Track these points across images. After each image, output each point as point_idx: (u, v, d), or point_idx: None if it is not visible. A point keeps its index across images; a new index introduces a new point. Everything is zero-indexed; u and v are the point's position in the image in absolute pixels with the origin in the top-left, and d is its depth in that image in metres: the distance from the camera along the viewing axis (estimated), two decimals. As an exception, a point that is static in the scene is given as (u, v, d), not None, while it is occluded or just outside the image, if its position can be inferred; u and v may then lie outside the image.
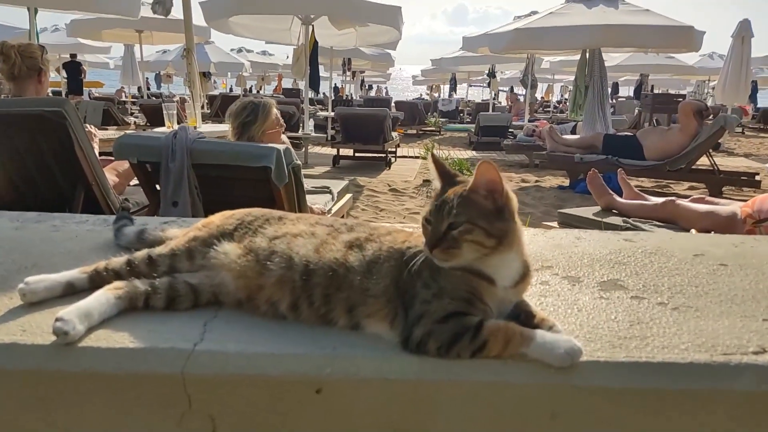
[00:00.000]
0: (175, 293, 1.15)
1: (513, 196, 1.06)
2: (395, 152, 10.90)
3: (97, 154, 3.34)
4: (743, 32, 12.31)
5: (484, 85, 27.82)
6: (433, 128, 17.12)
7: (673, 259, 1.53)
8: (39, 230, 1.66)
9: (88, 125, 3.79)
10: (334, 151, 10.17)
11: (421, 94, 30.85)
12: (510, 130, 12.90)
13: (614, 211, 4.03)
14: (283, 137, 3.91)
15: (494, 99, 21.85)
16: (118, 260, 1.23)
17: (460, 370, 0.98)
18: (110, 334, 1.04)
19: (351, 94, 23.28)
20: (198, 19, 8.02)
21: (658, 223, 3.66)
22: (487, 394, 0.98)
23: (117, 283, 1.14)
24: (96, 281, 1.19)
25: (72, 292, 1.18)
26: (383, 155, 9.98)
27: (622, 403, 0.98)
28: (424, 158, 8.61)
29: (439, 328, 1.00)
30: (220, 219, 1.29)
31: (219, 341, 1.04)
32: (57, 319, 1.01)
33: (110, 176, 3.50)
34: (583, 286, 1.33)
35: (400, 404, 0.99)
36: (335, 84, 23.20)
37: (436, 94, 29.82)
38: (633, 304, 1.22)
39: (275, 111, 3.53)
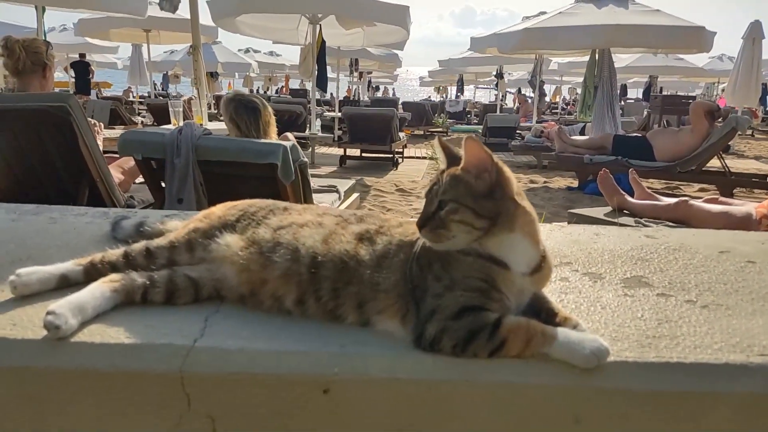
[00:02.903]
0: (174, 287, 1.09)
1: (509, 175, 1.00)
2: (402, 153, 10.83)
3: (101, 151, 3.29)
4: (754, 34, 12.16)
5: (492, 86, 27.74)
6: (441, 129, 17.06)
7: (698, 255, 1.45)
8: (36, 222, 1.60)
9: (93, 119, 3.75)
10: (340, 152, 10.11)
11: (429, 97, 30.77)
12: (518, 131, 12.82)
13: (625, 211, 3.95)
14: (290, 136, 3.86)
15: (502, 100, 21.74)
16: (115, 252, 1.17)
17: (477, 370, 0.92)
18: (105, 329, 0.98)
19: (358, 95, 23.22)
20: (205, 18, 7.99)
21: (670, 223, 3.58)
22: (506, 396, 0.92)
23: (113, 276, 1.08)
24: (91, 274, 1.13)
25: (66, 284, 1.12)
26: (390, 155, 9.91)
27: (652, 406, 0.91)
28: (432, 158, 8.55)
29: (453, 324, 0.93)
30: (221, 210, 1.23)
31: (220, 337, 0.97)
32: (48, 313, 0.95)
33: (115, 173, 3.45)
34: (606, 282, 1.26)
35: (412, 406, 0.93)
36: (347, 83, 23.17)
37: (444, 96, 29.75)
38: (660, 302, 1.15)
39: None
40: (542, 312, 1.01)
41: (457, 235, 0.96)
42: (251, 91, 23.16)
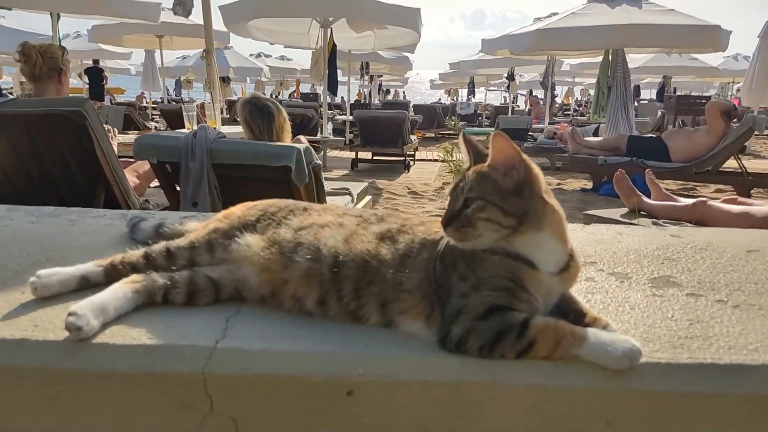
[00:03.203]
0: (195, 287, 1.08)
1: (537, 172, 0.97)
2: (414, 155, 10.81)
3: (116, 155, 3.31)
4: (770, 32, 12.01)
5: (503, 89, 27.63)
6: (452, 131, 17.02)
7: (726, 254, 1.42)
8: (55, 224, 1.60)
9: (107, 125, 3.77)
10: (352, 155, 10.11)
11: (439, 99, 30.75)
12: (530, 133, 12.76)
13: (642, 212, 3.89)
14: (303, 139, 3.85)
15: (513, 102, 21.67)
16: (135, 253, 1.16)
17: (505, 372, 0.90)
18: (126, 330, 0.97)
19: (369, 98, 23.25)
20: (217, 23, 8.03)
21: (689, 224, 3.53)
22: (536, 399, 0.89)
23: (134, 277, 1.08)
24: (112, 275, 1.12)
25: (86, 286, 1.11)
26: (402, 158, 9.90)
27: (686, 408, 0.89)
28: (444, 161, 8.49)
29: (479, 325, 0.91)
30: (241, 210, 1.22)
31: (242, 338, 0.96)
32: (70, 314, 0.94)
33: (130, 178, 3.47)
34: (633, 282, 1.23)
35: (438, 408, 0.91)
36: (357, 87, 23.20)
37: (454, 98, 29.70)
38: (690, 302, 1.13)
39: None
40: (570, 312, 0.98)
41: (484, 233, 0.93)
42: (271, 95, 23.29)
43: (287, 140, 3.34)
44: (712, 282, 1.24)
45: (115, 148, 3.46)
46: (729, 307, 1.10)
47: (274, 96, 25.18)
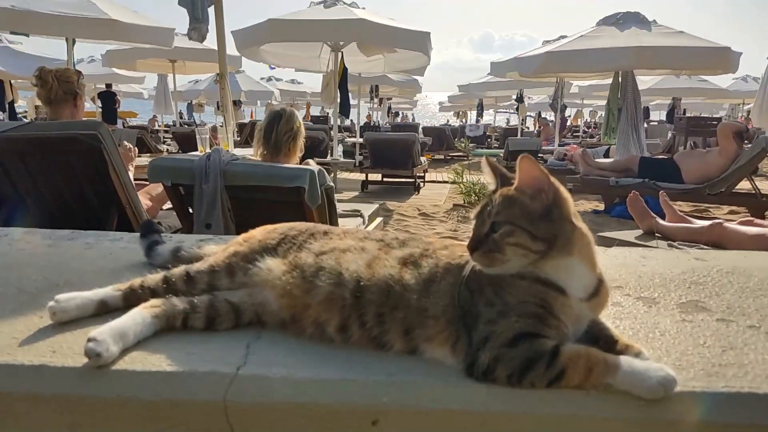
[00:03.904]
0: (215, 312, 1.07)
1: (566, 195, 0.96)
2: (424, 177, 10.82)
3: (131, 177, 3.32)
4: (780, 53, 12.00)
5: (511, 111, 27.72)
6: (462, 153, 17.05)
7: (754, 278, 1.39)
8: (72, 247, 1.59)
9: (127, 143, 3.81)
10: (362, 177, 10.13)
11: (448, 121, 30.88)
12: (540, 154, 12.76)
13: (657, 234, 3.85)
14: (312, 162, 3.87)
15: (522, 124, 21.71)
16: (154, 277, 1.15)
17: (535, 402, 0.87)
18: (146, 356, 0.95)
19: (378, 121, 23.40)
20: (230, 48, 8.14)
21: (705, 247, 3.48)
22: (568, 430, 0.86)
23: (154, 301, 1.06)
24: (131, 299, 1.11)
25: (105, 310, 1.10)
26: (412, 180, 9.91)
27: (724, 441, 0.85)
28: (454, 182, 8.50)
29: (508, 352, 0.88)
30: (261, 233, 1.20)
31: (263, 365, 0.94)
32: (89, 340, 0.93)
33: (143, 200, 3.48)
34: (661, 307, 1.20)
35: (466, 439, 0.88)
36: (367, 109, 23.36)
37: (463, 120, 29.83)
38: (721, 328, 1.09)
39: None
40: (600, 339, 0.95)
41: (512, 258, 0.91)
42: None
43: (293, 152, 3.37)
44: (741, 307, 1.21)
45: (133, 170, 3.49)
46: (762, 333, 1.07)
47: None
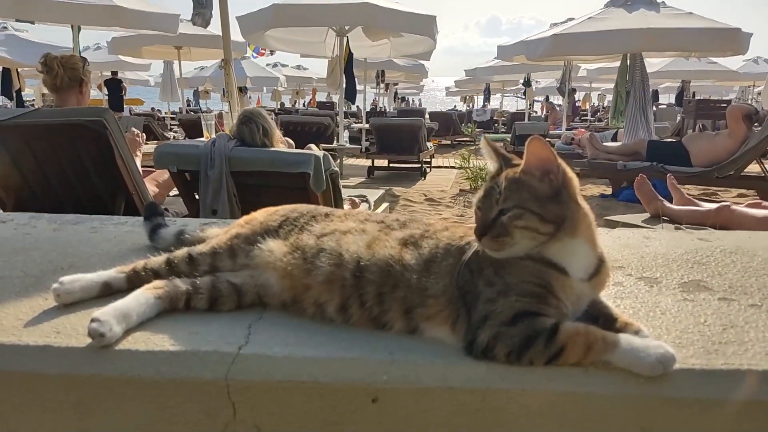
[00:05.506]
0: (217, 293, 1.08)
1: (573, 176, 0.95)
2: (430, 162, 10.79)
3: (138, 164, 3.34)
4: (792, 34, 11.82)
5: (519, 95, 27.53)
6: (468, 138, 16.98)
7: (757, 258, 1.38)
8: (77, 231, 1.61)
9: (135, 130, 3.82)
10: (368, 163, 10.12)
11: (455, 106, 30.69)
12: (547, 139, 12.68)
13: (664, 218, 3.82)
14: (314, 147, 3.86)
15: (530, 108, 21.55)
16: (157, 259, 1.16)
17: (535, 379, 0.87)
18: (149, 336, 0.97)
19: (384, 107, 23.28)
20: (235, 34, 8.11)
21: (713, 229, 3.46)
22: (567, 407, 0.87)
23: (157, 283, 1.07)
24: (134, 281, 1.12)
25: (109, 292, 1.11)
26: (418, 165, 9.88)
27: (722, 417, 0.86)
28: (460, 168, 8.46)
29: (507, 330, 0.89)
30: (263, 216, 1.21)
31: (265, 344, 0.95)
32: (92, 320, 0.94)
33: (150, 187, 3.49)
34: (663, 287, 1.20)
35: (466, 415, 0.89)
36: (373, 95, 23.27)
37: (470, 105, 29.65)
38: (722, 307, 1.09)
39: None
40: (600, 317, 0.96)
41: (521, 242, 0.91)
42: (281, 104, 23.44)
43: (275, 138, 3.29)
44: (744, 286, 1.20)
45: (140, 158, 3.50)
46: (764, 312, 1.07)
47: (290, 105, 25.36)
